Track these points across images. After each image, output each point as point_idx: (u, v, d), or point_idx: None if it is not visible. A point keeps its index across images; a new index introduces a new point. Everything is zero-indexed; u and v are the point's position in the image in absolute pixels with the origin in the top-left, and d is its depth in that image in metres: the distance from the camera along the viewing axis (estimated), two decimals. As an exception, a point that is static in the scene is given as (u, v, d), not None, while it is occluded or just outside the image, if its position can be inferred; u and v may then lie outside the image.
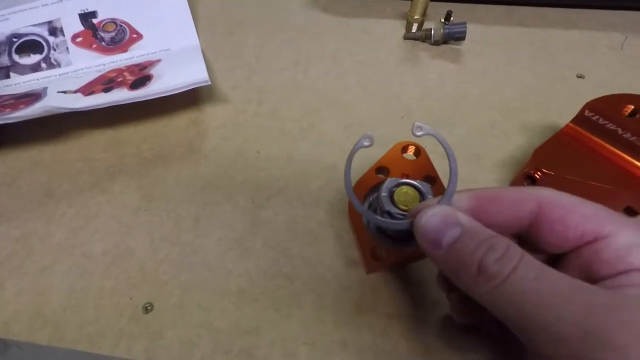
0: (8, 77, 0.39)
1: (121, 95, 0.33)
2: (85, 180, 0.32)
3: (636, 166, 0.26)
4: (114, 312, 0.26)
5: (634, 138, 0.26)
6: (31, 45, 0.39)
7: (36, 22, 0.40)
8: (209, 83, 0.34)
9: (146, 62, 0.39)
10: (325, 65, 0.40)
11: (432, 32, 0.40)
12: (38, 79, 0.39)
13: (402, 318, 0.25)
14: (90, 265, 0.28)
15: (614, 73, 0.38)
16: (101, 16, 0.41)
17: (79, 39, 0.40)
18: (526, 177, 0.28)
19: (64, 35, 0.40)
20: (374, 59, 0.40)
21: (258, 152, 0.34)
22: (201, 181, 0.32)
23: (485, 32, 0.42)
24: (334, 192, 0.31)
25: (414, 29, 0.41)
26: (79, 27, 0.40)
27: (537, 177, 0.27)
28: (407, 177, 0.23)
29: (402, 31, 0.42)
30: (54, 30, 0.40)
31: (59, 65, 0.39)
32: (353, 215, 0.24)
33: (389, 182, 0.22)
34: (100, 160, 0.34)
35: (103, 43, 0.40)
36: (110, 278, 0.27)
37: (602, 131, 0.27)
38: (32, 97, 0.35)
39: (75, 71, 0.39)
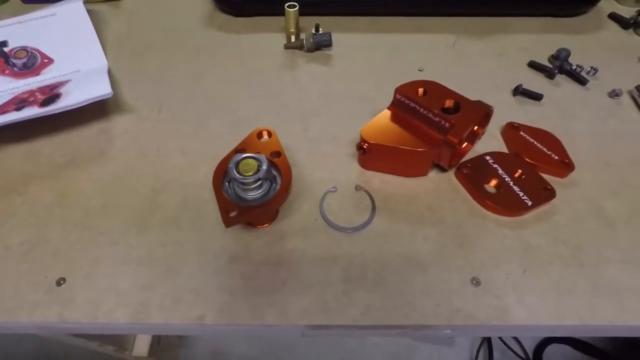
0: None
1: (31, 112, 0.39)
2: (1, 187, 0.37)
3: (430, 132, 0.35)
4: (30, 289, 0.31)
5: (426, 112, 0.35)
6: (-55, 76, 0.44)
7: (-51, 55, 0.44)
8: (110, 95, 0.40)
9: (57, 82, 0.44)
10: (217, 75, 0.47)
11: (304, 41, 0.48)
12: (-46, 105, 0.43)
13: (267, 264, 0.33)
14: (9, 254, 0.33)
15: (447, 66, 0.48)
16: (12, 44, 0.46)
17: (-9, 67, 0.45)
18: (359, 148, 0.36)
19: (-24, 64, 0.45)
20: (258, 67, 0.48)
21: (158, 150, 0.40)
22: (109, 177, 0.38)
23: (351, 39, 0.51)
24: (218, 176, 0.38)
25: (292, 40, 0.50)
26: (-9, 56, 0.45)
27: (365, 147, 0.36)
28: (258, 153, 0.31)
29: (283, 41, 0.51)
30: (-33, 60, 0.45)
31: (-27, 90, 0.44)
32: (215, 183, 0.31)
33: (235, 157, 0.29)
34: (16, 169, 0.39)
35: (15, 69, 0.45)
36: (27, 262, 0.33)
37: (408, 109, 0.36)
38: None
39: (-11, 95, 0.44)
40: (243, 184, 0.30)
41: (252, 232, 0.34)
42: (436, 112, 0.34)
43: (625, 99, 0.44)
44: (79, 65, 0.47)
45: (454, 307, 0.31)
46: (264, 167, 0.29)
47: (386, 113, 0.38)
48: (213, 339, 1.08)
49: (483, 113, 0.34)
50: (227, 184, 0.32)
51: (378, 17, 0.54)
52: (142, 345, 0.92)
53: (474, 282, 0.32)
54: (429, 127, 0.35)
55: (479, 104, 0.35)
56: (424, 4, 0.52)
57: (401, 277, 0.32)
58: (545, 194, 0.35)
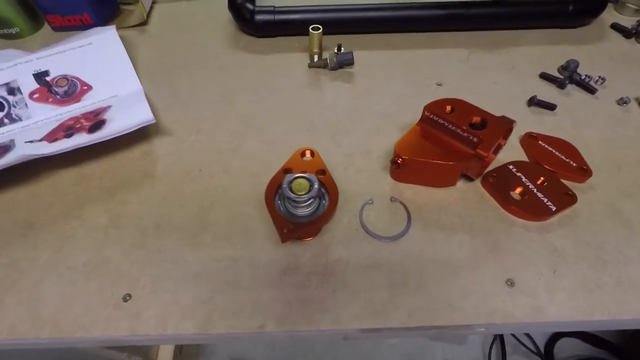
0: (-27, 135, 0.45)
1: (82, 139, 0.41)
2: (59, 211, 0.40)
3: (460, 146, 0.38)
4: (99, 305, 0.34)
5: (454, 127, 0.38)
6: (-8, 106, 0.46)
7: (-5, 85, 0.47)
8: (154, 121, 0.43)
9: (99, 108, 0.47)
10: (246, 96, 0.50)
11: (328, 60, 0.51)
12: (3, 133, 0.45)
13: (316, 274, 0.35)
14: (75, 274, 0.36)
15: (463, 80, 0.51)
16: (53, 74, 0.48)
17: (35, 95, 0.47)
18: (393, 162, 0.39)
19: (21, 93, 0.47)
20: (285, 86, 0.51)
21: (200, 170, 0.43)
22: (157, 198, 0.41)
23: (370, 57, 0.54)
24: (259, 193, 0.40)
25: (316, 59, 0.53)
26: (35, 85, 0.48)
27: (399, 162, 0.38)
28: (304, 172, 0.33)
29: (307, 62, 0.54)
30: (12, 90, 0.47)
31: (20, 119, 0.46)
32: (268, 203, 0.34)
33: (287, 177, 0.32)
34: (69, 194, 0.41)
35: (58, 96, 0.48)
36: (93, 281, 0.35)
37: (437, 125, 0.39)
38: (2, 149, 0.42)
39: (35, 123, 0.46)
40: (296, 202, 0.32)
41: (299, 245, 0.37)
42: (464, 128, 0.37)
43: (633, 105, 0.48)
44: (116, 91, 0.49)
45: (491, 307, 0.33)
46: (316, 186, 0.32)
47: (416, 129, 0.40)
48: (232, 347, 1.10)
49: (508, 127, 0.37)
50: (279, 201, 0.34)
51: (393, 34, 0.57)
52: (165, 356, 0.94)
53: (509, 283, 0.34)
54: (458, 141, 0.38)
55: (504, 119, 0.38)
56: (436, 21, 0.56)
57: (440, 282, 0.35)
58: (567, 199, 0.38)
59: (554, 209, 0.37)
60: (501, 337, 1.15)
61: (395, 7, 0.55)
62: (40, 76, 0.48)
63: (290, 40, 0.57)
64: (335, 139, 0.45)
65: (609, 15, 0.59)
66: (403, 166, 0.39)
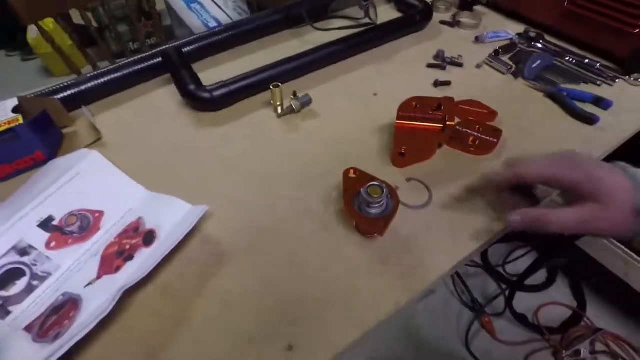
0: (8, 313, 0.40)
1: (150, 254, 0.42)
2: (168, 328, 0.41)
3: (432, 125, 0.55)
4: (271, 367, 0.38)
5: (423, 115, 0.54)
6: (10, 276, 0.42)
7: (1, 254, 0.42)
8: (207, 208, 0.46)
9: (129, 225, 0.47)
10: (249, 159, 0.57)
11: (293, 106, 0.62)
12: (41, 296, 0.41)
13: (402, 252, 0.46)
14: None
15: (386, 85, 0.69)
16: (58, 216, 0.46)
17: (52, 244, 0.44)
18: (398, 154, 0.53)
19: (36, 249, 0.44)
20: (272, 138, 0.60)
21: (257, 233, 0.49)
22: (258, 269, 0.45)
23: (318, 92, 0.67)
24: (321, 220, 0.49)
25: (280, 110, 0.63)
26: (46, 235, 0.45)
27: (403, 151, 0.53)
28: (380, 181, 0.44)
29: (273, 113, 0.63)
30: (24, 251, 0.43)
31: (49, 274, 0.43)
32: (354, 213, 0.44)
33: (364, 188, 0.43)
34: (167, 307, 0.42)
35: (75, 235, 0.46)
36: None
37: (410, 118, 0.55)
38: (70, 302, 0.40)
39: (68, 269, 0.44)
40: (372, 203, 0.43)
41: (373, 240, 0.47)
42: (431, 112, 0.54)
43: (485, 67, 0.73)
44: (129, 205, 0.50)
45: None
46: (384, 187, 0.43)
47: (397, 126, 0.55)
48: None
49: (453, 102, 0.56)
50: (359, 210, 0.44)
51: (324, 70, 0.72)
52: None
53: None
54: (430, 122, 0.54)
55: (446, 98, 0.56)
56: (347, 51, 0.73)
57: (474, 215, 0.50)
58: (497, 132, 0.59)
59: (495, 141, 0.57)
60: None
61: (321, 47, 0.70)
62: (46, 224, 0.45)
63: (246, 102, 0.65)
64: (344, 158, 0.56)
65: (437, 15, 0.87)
66: (406, 154, 0.53)
